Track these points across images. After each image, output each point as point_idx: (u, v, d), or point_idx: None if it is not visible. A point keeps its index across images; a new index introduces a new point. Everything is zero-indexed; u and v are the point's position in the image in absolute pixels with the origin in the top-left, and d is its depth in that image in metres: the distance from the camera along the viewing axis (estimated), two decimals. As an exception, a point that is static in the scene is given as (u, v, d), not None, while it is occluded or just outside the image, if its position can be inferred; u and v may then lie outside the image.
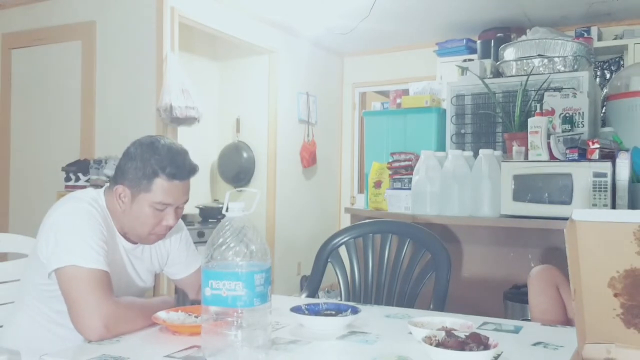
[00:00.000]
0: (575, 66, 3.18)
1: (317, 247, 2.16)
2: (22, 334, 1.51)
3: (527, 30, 3.83)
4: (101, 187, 1.62)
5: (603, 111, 3.51)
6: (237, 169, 5.20)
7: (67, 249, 1.37)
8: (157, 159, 1.46)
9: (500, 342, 1.11)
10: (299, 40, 5.40)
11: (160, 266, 1.68)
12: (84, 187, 3.48)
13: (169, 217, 1.51)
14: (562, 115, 2.90)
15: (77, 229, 1.41)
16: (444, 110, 3.48)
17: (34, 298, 1.49)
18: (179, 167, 1.48)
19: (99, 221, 1.45)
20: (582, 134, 2.83)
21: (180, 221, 1.69)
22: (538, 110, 2.88)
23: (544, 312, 1.82)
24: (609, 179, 2.50)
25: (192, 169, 1.52)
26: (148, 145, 1.49)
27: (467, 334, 1.14)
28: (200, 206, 4.61)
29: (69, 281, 1.35)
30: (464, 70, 3.57)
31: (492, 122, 3.29)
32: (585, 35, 4.44)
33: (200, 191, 5.15)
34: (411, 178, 3.07)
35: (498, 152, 2.98)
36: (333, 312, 1.45)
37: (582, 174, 2.56)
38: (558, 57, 3.20)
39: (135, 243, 1.58)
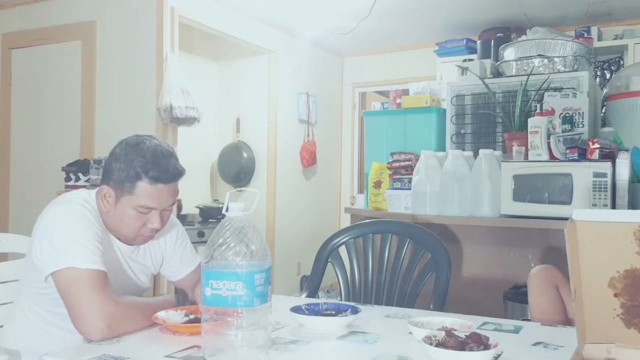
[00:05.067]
0: (575, 66, 3.18)
1: (317, 247, 2.16)
2: (21, 334, 1.50)
3: (527, 30, 3.84)
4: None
5: (603, 111, 3.51)
6: (237, 169, 5.20)
7: (62, 251, 1.36)
8: (141, 162, 1.43)
9: (500, 342, 1.11)
10: (299, 41, 5.40)
11: (155, 268, 1.66)
12: (84, 187, 3.48)
13: (154, 219, 1.47)
14: (562, 115, 2.90)
15: (70, 230, 1.39)
16: (444, 110, 3.48)
17: (31, 300, 1.49)
18: (163, 170, 1.44)
19: (92, 222, 1.44)
20: (582, 134, 2.83)
21: (175, 219, 1.67)
22: (538, 110, 2.88)
23: (544, 312, 1.82)
24: (609, 179, 2.50)
25: (177, 173, 1.47)
26: (133, 147, 1.46)
27: (467, 334, 1.14)
28: (200, 206, 4.62)
29: (67, 283, 1.34)
30: (464, 70, 3.57)
31: (492, 122, 3.29)
32: (585, 35, 4.44)
33: (200, 191, 5.16)
34: (411, 178, 3.08)
35: (498, 152, 2.98)
36: (333, 312, 1.45)
37: (582, 174, 2.56)
38: (558, 57, 3.20)
39: (131, 245, 1.56)
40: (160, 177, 1.44)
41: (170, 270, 1.69)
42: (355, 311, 1.44)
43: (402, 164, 3.22)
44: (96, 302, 1.31)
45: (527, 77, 3.06)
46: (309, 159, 5.55)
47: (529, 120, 2.77)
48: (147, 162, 1.43)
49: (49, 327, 1.47)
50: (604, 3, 4.33)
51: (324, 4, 4.46)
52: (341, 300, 2.10)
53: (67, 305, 1.34)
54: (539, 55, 3.23)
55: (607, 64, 4.65)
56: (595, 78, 4.33)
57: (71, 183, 3.76)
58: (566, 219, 1.02)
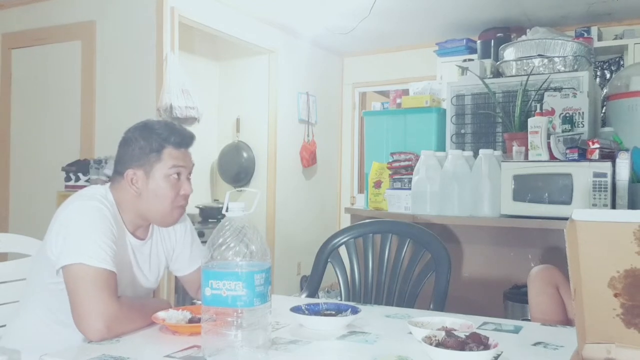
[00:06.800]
0: (575, 66, 3.18)
1: (317, 247, 2.16)
2: (26, 334, 1.50)
3: (527, 30, 3.84)
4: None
5: (603, 111, 3.51)
6: (237, 169, 5.19)
7: (75, 247, 1.37)
8: (158, 134, 1.51)
9: (500, 342, 1.11)
10: (299, 40, 5.40)
11: (167, 260, 1.68)
12: (83, 187, 3.48)
13: (185, 185, 1.55)
14: (562, 115, 2.90)
15: (86, 227, 1.41)
16: (444, 110, 3.48)
17: (43, 297, 1.49)
18: (183, 135, 1.54)
19: (109, 219, 1.45)
20: (582, 134, 2.83)
21: (185, 214, 1.68)
22: (538, 110, 2.88)
23: (544, 312, 1.82)
24: (609, 179, 2.50)
25: (193, 136, 1.58)
26: (144, 126, 1.55)
27: (467, 334, 1.14)
28: (200, 206, 4.61)
29: (75, 279, 1.35)
30: (464, 70, 3.57)
31: (492, 122, 3.29)
32: (585, 35, 4.44)
33: (200, 191, 5.15)
34: (411, 178, 3.07)
35: (498, 152, 2.98)
36: (333, 312, 1.45)
37: (582, 174, 2.56)
38: (558, 57, 3.20)
39: (142, 239, 1.58)
40: (182, 142, 1.54)
41: (178, 264, 1.71)
42: (355, 311, 1.44)
43: (402, 164, 3.22)
44: (99, 303, 1.31)
45: (527, 77, 3.06)
46: (309, 158, 5.55)
47: (529, 120, 2.77)
48: (163, 132, 1.52)
49: (55, 325, 1.47)
50: (604, 3, 4.33)
51: (324, 4, 4.46)
52: (341, 300, 2.10)
53: (71, 301, 1.35)
54: (539, 55, 3.23)
55: (607, 64, 4.64)
56: (595, 78, 4.33)
57: (71, 183, 3.77)
58: (566, 219, 1.02)
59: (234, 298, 1.12)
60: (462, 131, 3.37)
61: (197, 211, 4.57)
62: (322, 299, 1.69)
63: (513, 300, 2.48)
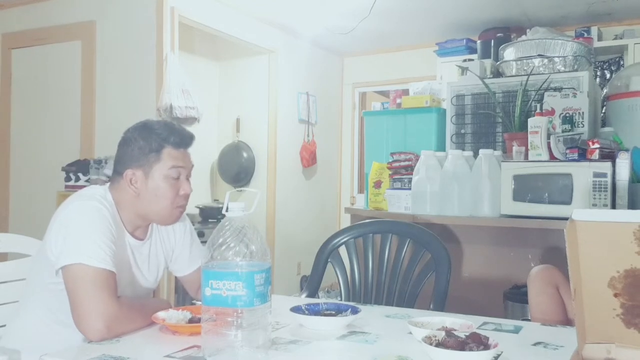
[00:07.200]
0: (575, 66, 3.18)
1: (317, 247, 2.16)
2: (26, 334, 1.50)
3: (527, 30, 3.84)
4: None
5: (603, 111, 3.51)
6: (237, 169, 5.19)
7: (75, 247, 1.37)
8: (158, 134, 1.51)
9: (500, 342, 1.11)
10: (299, 40, 5.40)
11: (166, 261, 1.68)
12: (83, 187, 3.48)
13: (185, 185, 1.54)
14: (562, 115, 2.90)
15: (86, 227, 1.41)
16: (444, 110, 3.48)
17: (43, 297, 1.49)
18: (182, 135, 1.54)
19: (108, 219, 1.45)
20: (582, 134, 2.83)
21: (184, 214, 1.69)
22: (538, 110, 2.88)
23: (544, 312, 1.82)
24: (609, 179, 2.50)
25: (192, 136, 1.58)
26: (143, 126, 1.55)
27: (467, 334, 1.14)
28: (200, 206, 4.61)
29: (74, 279, 1.35)
30: (464, 70, 3.57)
31: (492, 122, 3.29)
32: (585, 35, 4.44)
33: (200, 191, 5.15)
34: (411, 178, 3.07)
35: (498, 152, 2.98)
36: (333, 312, 1.45)
37: (582, 174, 2.56)
38: (558, 57, 3.20)
39: (141, 240, 1.57)
40: (182, 142, 1.54)
41: (178, 264, 1.70)
42: (355, 311, 1.44)
43: (402, 164, 3.22)
44: (99, 303, 1.31)
45: (527, 77, 3.06)
46: (309, 158, 5.55)
47: (529, 120, 2.77)
48: (163, 132, 1.52)
49: (55, 325, 1.47)
50: (604, 3, 4.33)
51: (324, 4, 4.46)
52: (341, 300, 2.10)
53: (71, 301, 1.35)
54: (539, 55, 3.23)
55: (607, 64, 4.65)
56: (595, 78, 4.33)
57: (71, 183, 3.77)
58: (566, 219, 1.02)
59: (234, 298, 1.12)
60: (462, 131, 3.37)
61: (197, 211, 4.57)
62: (322, 299, 1.69)
63: (513, 300, 2.48)
